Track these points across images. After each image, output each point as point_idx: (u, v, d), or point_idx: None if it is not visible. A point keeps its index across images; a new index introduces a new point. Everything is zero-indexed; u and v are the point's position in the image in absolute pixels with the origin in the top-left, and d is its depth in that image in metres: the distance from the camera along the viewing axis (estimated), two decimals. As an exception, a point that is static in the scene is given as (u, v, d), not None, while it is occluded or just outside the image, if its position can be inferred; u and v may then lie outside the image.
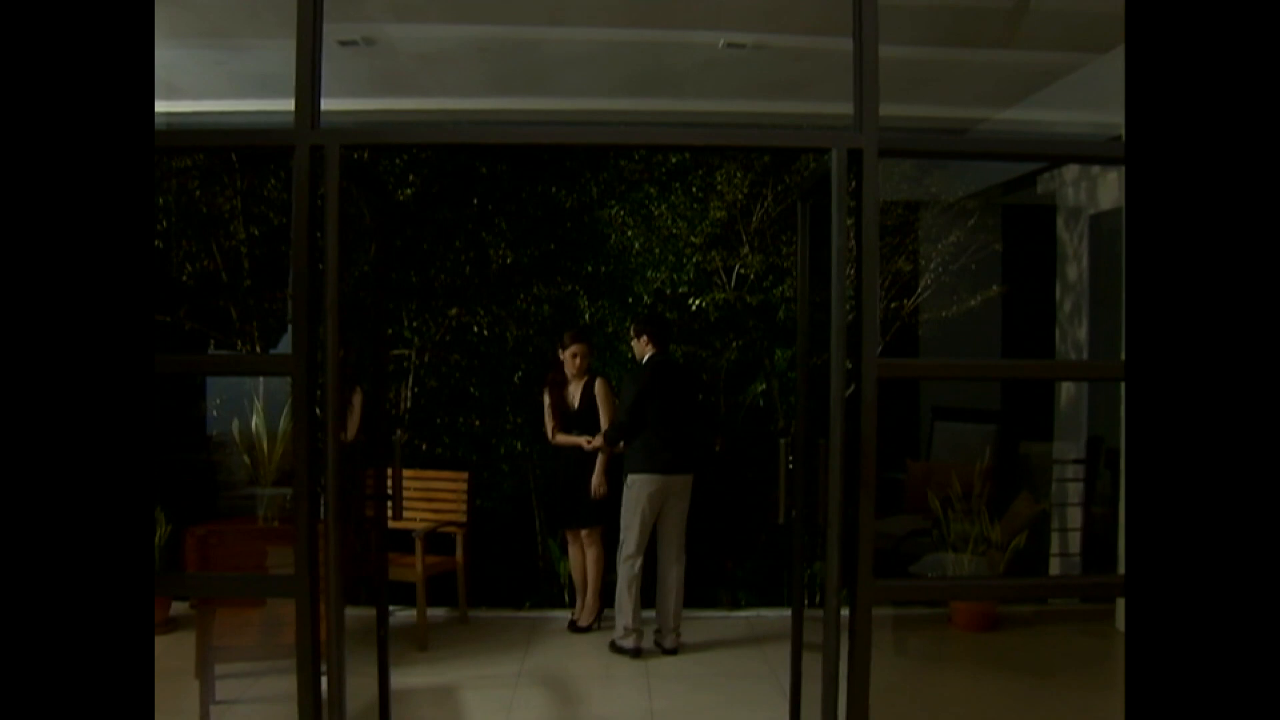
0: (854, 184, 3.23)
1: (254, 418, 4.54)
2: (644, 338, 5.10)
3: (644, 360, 5.05)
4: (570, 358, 5.22)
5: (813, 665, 3.78)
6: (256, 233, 6.61)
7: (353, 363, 4.55)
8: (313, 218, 3.24)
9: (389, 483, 3.81)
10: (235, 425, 4.65)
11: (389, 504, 3.80)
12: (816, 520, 3.75)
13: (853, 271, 3.27)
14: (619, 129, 3.40)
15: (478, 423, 7.04)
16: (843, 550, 3.25)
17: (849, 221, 3.22)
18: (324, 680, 3.25)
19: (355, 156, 6.92)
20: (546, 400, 5.32)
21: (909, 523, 5.06)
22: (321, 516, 3.21)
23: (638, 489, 4.82)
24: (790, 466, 3.79)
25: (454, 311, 6.93)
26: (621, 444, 4.98)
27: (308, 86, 3.26)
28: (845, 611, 3.25)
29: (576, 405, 5.23)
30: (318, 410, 3.27)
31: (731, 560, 7.46)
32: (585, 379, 5.28)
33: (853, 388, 3.21)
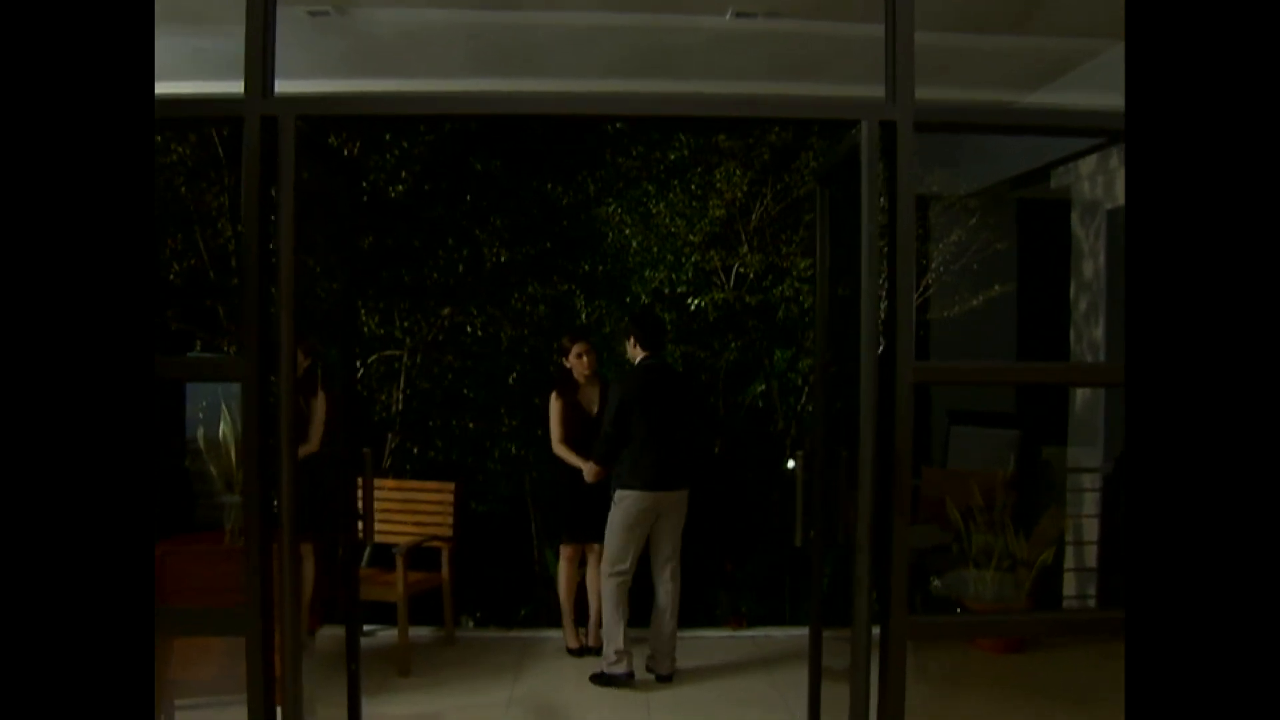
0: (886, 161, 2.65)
1: (221, 423, 3.93)
2: (631, 339, 4.33)
3: (634, 364, 4.30)
4: (576, 359, 4.48)
5: (832, 692, 3.21)
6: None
7: (314, 365, 3.97)
8: (265, 199, 2.65)
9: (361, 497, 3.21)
10: (201, 432, 4.04)
11: (360, 522, 3.19)
12: (836, 538, 3.17)
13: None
14: (621, 99, 2.81)
15: (472, 425, 6.47)
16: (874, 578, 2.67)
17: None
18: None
19: (348, 153, 6.39)
20: (556, 409, 4.49)
21: (926, 534, 4.46)
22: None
23: (625, 506, 4.07)
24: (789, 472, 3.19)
25: (447, 311, 6.42)
26: (607, 463, 4.17)
27: (259, 50, 2.69)
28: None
29: (596, 410, 4.45)
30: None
31: (732, 562, 7.00)
32: (599, 383, 4.54)
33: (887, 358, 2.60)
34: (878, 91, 2.75)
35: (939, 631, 2.80)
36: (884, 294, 2.72)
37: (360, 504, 3.19)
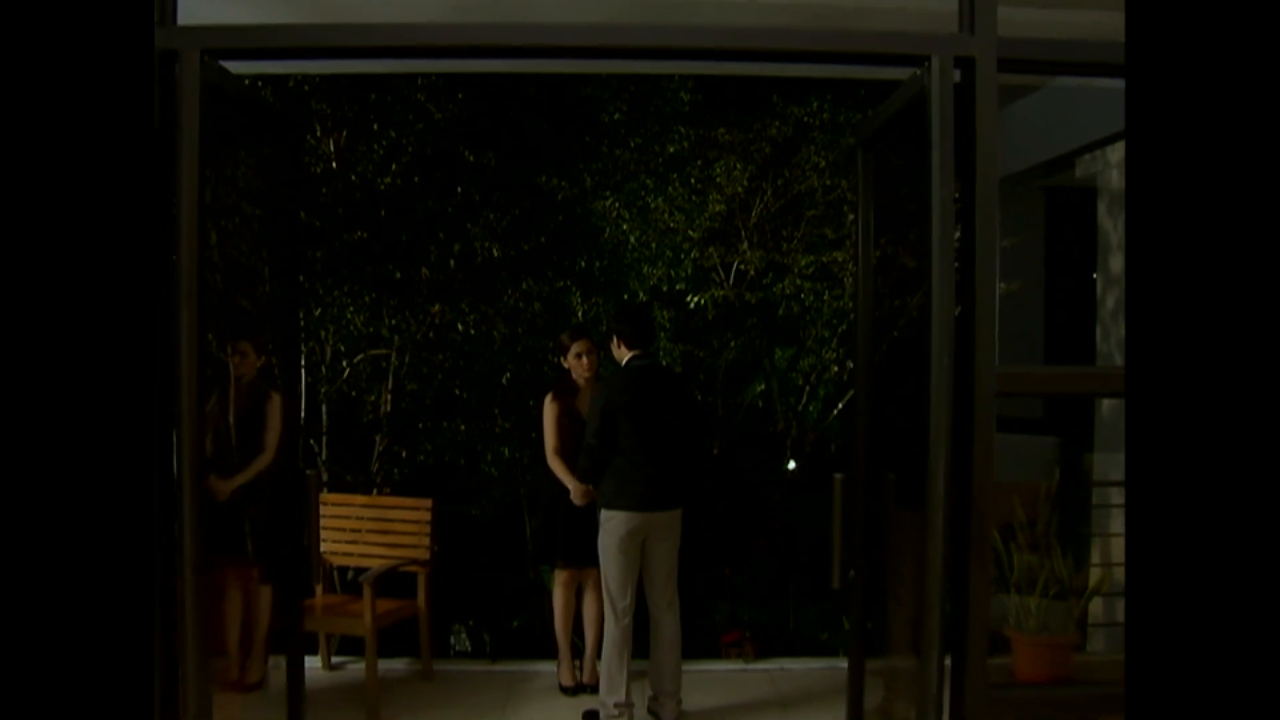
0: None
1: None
2: (615, 338, 3.45)
3: (621, 366, 3.44)
4: (576, 359, 3.59)
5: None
6: (227, 225, 5.25)
7: (269, 364, 3.21)
8: (168, 158, 1.89)
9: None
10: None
11: (310, 554, 2.43)
12: (882, 580, 2.42)
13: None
14: (631, 31, 2.05)
15: (463, 428, 5.71)
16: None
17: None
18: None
19: (334, 143, 5.62)
20: (551, 414, 3.63)
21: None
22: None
23: (611, 529, 3.24)
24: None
25: (437, 309, 5.67)
26: (591, 479, 3.33)
27: (158, -34, 1.90)
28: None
29: None
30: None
31: (731, 566, 6.33)
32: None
33: (963, 361, 1.86)
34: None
35: (1025, 706, 2.05)
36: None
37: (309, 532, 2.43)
